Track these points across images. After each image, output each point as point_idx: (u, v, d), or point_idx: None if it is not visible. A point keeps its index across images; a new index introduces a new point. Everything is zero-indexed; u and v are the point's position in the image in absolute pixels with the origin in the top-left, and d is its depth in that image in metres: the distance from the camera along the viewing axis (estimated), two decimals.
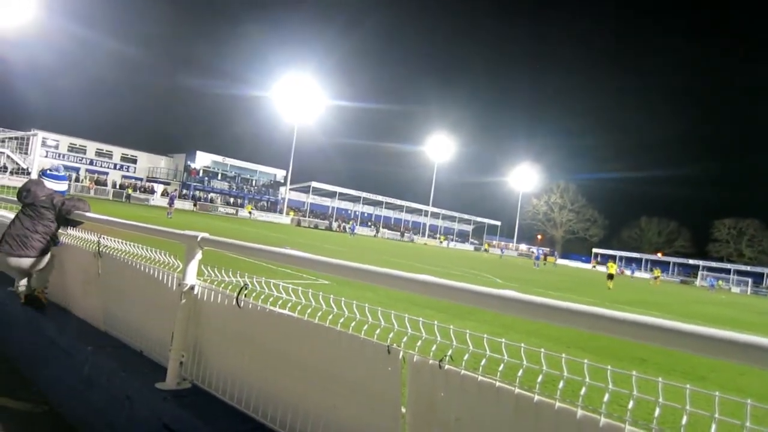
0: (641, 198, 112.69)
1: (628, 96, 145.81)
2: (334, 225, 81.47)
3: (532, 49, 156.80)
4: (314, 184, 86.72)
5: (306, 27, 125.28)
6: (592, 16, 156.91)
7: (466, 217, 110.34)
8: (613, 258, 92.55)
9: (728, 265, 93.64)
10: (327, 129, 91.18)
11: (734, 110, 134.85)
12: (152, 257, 3.94)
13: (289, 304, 2.80)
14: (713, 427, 1.43)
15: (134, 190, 64.19)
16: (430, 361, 2.05)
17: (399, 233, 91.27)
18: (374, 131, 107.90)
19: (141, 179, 70.04)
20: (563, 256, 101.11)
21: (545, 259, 69.16)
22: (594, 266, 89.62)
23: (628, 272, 79.95)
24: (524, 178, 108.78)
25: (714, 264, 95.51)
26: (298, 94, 77.14)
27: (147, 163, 72.16)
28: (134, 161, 71.02)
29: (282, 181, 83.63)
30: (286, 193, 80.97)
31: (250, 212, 70.08)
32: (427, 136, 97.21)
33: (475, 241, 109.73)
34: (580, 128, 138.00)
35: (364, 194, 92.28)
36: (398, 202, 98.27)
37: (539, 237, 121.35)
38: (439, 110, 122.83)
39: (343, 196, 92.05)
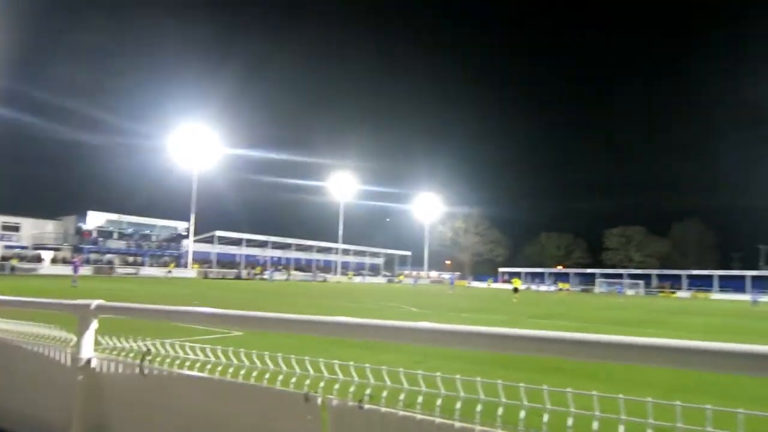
0: (539, 215, 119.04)
1: (517, 123, 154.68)
2: (243, 273, 79.27)
3: (423, 82, 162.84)
4: (218, 233, 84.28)
5: (199, 74, 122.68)
6: (482, 47, 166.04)
7: (376, 250, 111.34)
8: (517, 274, 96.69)
9: (621, 271, 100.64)
10: (227, 176, 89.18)
11: (615, 124, 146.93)
12: (43, 333, 3.61)
13: (198, 364, 2.65)
14: (621, 429, 1.50)
15: (19, 260, 59.28)
16: (350, 403, 2.02)
17: (311, 274, 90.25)
18: (277, 174, 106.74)
19: (26, 247, 64.81)
20: (475, 279, 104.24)
21: (452, 284, 71.01)
22: (509, 282, 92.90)
23: (533, 287, 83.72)
24: (429, 207, 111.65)
25: (609, 271, 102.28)
26: (195, 142, 75.32)
27: (32, 229, 66.86)
28: (16, 228, 65.59)
29: (184, 233, 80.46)
30: (189, 246, 77.89)
31: (170, 271, 66.67)
32: (330, 173, 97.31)
33: (388, 273, 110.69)
34: (478, 155, 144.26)
35: (272, 238, 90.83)
36: (308, 242, 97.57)
37: (448, 262, 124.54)
38: (340, 147, 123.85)
39: (251, 243, 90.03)
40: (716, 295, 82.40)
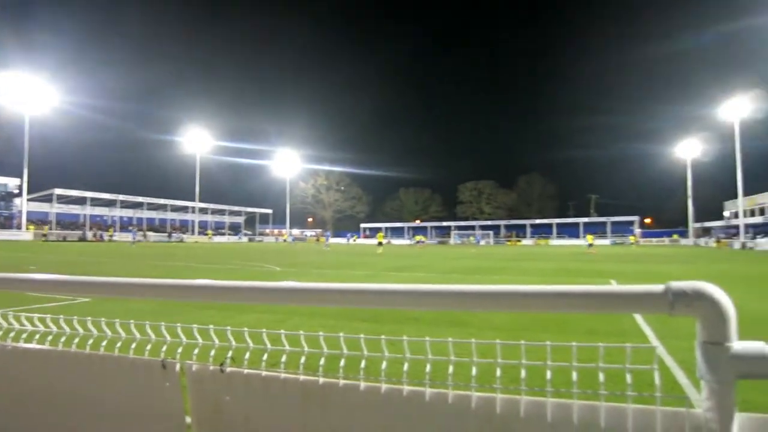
0: (398, 172, 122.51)
1: (378, 83, 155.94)
2: (89, 234, 73.29)
3: (285, 37, 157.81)
4: (58, 191, 76.73)
5: (34, 21, 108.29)
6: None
7: (236, 209, 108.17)
8: (378, 229, 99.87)
9: (473, 223, 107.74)
10: (67, 126, 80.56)
11: (468, 88, 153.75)
12: None
13: (37, 336, 2.41)
14: (473, 370, 1.61)
15: None
16: (210, 367, 1.96)
17: (166, 234, 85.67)
18: (126, 126, 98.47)
19: None
20: (335, 235, 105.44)
21: (317, 239, 71.60)
22: (370, 238, 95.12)
23: (394, 241, 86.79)
24: (289, 164, 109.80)
25: (463, 223, 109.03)
26: (27, 86, 66.20)
27: None
28: None
29: (16, 191, 72.02)
30: (23, 205, 69.89)
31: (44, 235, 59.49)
32: (186, 128, 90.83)
33: (249, 232, 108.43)
34: (338, 113, 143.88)
35: (121, 197, 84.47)
36: (161, 201, 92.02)
37: (310, 220, 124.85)
38: (195, 100, 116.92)
39: (96, 201, 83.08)
40: (555, 241, 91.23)
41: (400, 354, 1.73)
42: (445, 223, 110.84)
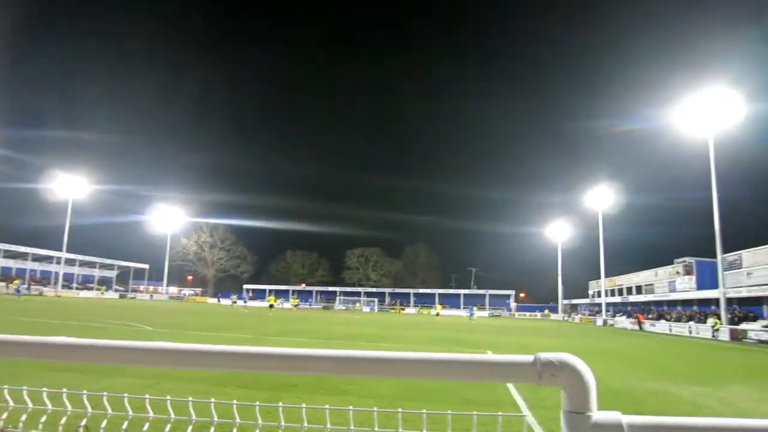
0: (286, 234, 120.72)
1: (263, 142, 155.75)
2: None
3: (164, 82, 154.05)
4: None
5: None
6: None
7: (108, 262, 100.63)
8: (263, 291, 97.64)
9: (359, 289, 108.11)
10: None
11: (358, 157, 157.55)
12: None
13: None
14: None
15: None
16: None
17: (22, 285, 77.24)
18: None
19: None
20: (216, 295, 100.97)
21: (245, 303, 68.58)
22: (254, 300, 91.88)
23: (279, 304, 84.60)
24: (171, 218, 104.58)
25: (348, 289, 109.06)
26: None
27: None
28: None
29: None
30: None
31: None
32: (56, 171, 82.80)
33: (120, 288, 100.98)
34: (222, 168, 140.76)
35: None
36: (21, 248, 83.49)
37: (189, 278, 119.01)
38: (65, 140, 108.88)
39: None
40: (436, 311, 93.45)
41: (275, 422, 1.65)
42: (331, 288, 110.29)
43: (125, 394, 1.81)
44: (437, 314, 61.44)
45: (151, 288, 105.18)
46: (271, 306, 55.03)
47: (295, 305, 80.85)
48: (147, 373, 9.03)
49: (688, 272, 53.70)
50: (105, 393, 1.82)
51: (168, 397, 1.75)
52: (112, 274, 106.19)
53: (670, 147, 58.64)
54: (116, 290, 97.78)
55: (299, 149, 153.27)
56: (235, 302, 71.24)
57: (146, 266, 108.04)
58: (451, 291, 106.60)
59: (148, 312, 40.06)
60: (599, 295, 75.27)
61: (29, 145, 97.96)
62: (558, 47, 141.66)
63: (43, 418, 1.83)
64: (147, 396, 1.80)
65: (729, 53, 73.42)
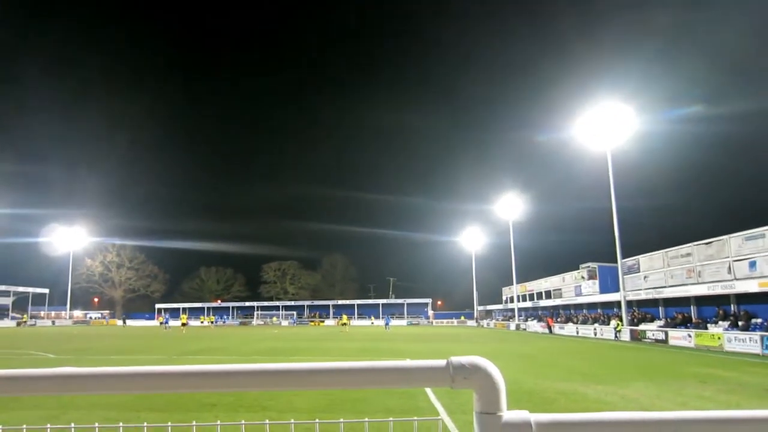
0: (198, 252, 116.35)
1: (174, 157, 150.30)
2: None
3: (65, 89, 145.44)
4: None
5: None
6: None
7: (2, 288, 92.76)
8: (176, 310, 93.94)
9: (277, 303, 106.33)
10: None
11: (270, 170, 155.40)
12: None
13: None
14: None
15: None
16: None
17: None
18: None
19: None
20: (129, 316, 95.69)
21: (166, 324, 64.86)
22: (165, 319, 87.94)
23: (191, 323, 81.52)
24: (73, 238, 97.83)
25: (266, 303, 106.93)
26: None
27: None
28: None
29: None
30: None
31: None
32: None
33: (18, 316, 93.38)
34: (130, 182, 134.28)
35: None
36: None
37: (96, 300, 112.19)
38: None
39: None
40: (356, 322, 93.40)
41: None
42: (248, 304, 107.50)
43: (23, 426, 1.69)
44: (343, 324, 62.67)
45: (52, 314, 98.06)
46: (184, 324, 55.12)
47: (212, 322, 78.16)
48: (49, 403, 8.44)
49: (591, 277, 56.71)
50: (1, 426, 1.70)
51: (72, 425, 1.66)
52: (8, 301, 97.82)
53: (573, 158, 62.02)
54: (13, 318, 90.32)
55: (204, 168, 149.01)
56: (163, 322, 69.02)
57: (46, 291, 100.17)
58: (370, 301, 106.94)
59: (50, 339, 37.37)
60: (512, 301, 78.12)
61: None
62: (470, 62, 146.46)
63: None
64: (48, 426, 1.69)
65: (623, 70, 79.10)
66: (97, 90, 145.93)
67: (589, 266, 57.99)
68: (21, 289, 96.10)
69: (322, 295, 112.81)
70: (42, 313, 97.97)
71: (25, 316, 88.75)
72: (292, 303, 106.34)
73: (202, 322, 54.20)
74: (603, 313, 51.73)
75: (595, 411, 1.38)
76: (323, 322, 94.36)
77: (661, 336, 34.52)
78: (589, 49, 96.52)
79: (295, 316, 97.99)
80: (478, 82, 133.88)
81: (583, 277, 58.50)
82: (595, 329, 45.68)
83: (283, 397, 9.28)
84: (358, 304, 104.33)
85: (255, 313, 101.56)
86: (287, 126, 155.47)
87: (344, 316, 67.12)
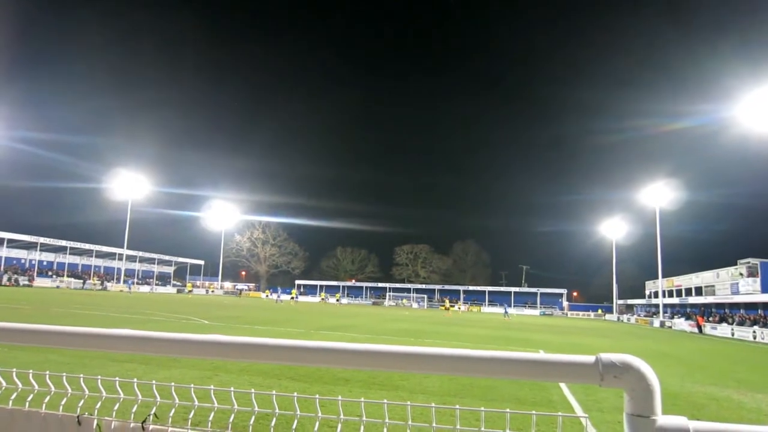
0: (336, 231, 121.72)
1: (312, 137, 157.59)
2: (5, 278, 68.56)
3: (220, 86, 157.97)
4: None
5: None
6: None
7: (166, 258, 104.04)
8: (315, 287, 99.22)
9: (408, 285, 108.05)
10: None
11: (414, 156, 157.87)
12: None
13: None
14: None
15: None
16: (131, 425, 1.84)
17: (86, 281, 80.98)
18: (49, 168, 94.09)
19: None
20: (274, 290, 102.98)
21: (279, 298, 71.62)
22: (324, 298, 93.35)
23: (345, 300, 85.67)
24: (225, 215, 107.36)
25: (398, 285, 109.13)
26: None
27: None
28: None
29: None
30: None
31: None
32: (118, 172, 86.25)
33: (178, 283, 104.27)
34: (275, 166, 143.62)
35: (41, 239, 79.80)
36: (86, 246, 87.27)
37: (243, 274, 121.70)
38: (125, 142, 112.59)
39: (14, 243, 78.16)
40: (486, 309, 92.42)
41: (333, 415, 1.69)
42: (381, 285, 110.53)
43: (191, 385, 1.88)
44: (446, 309, 64.53)
45: (207, 283, 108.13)
46: (293, 297, 60.42)
47: (293, 297, 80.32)
48: (203, 364, 9.32)
49: (752, 274, 51.17)
50: (173, 383, 1.90)
51: (231, 388, 1.81)
52: (170, 269, 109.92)
53: (733, 143, 56.12)
54: (174, 285, 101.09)
55: (350, 152, 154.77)
56: (294, 297, 73.78)
57: (202, 262, 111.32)
58: (502, 288, 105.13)
59: (206, 306, 41.31)
60: (656, 296, 72.66)
61: (91, 149, 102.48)
62: (616, 47, 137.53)
63: (116, 406, 1.92)
64: (212, 387, 1.87)
65: None
66: (285, 89, 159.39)
67: (749, 262, 52.30)
68: (181, 259, 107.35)
69: (452, 280, 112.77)
70: (198, 282, 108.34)
71: (189, 284, 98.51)
72: (423, 286, 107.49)
73: (292, 298, 57.53)
74: (764, 314, 46.55)
75: (755, 422, 1.23)
76: (453, 306, 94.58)
77: None
78: (747, 27, 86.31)
79: (425, 299, 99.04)
80: (623, 67, 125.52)
81: (741, 274, 52.89)
82: (754, 332, 41.16)
83: (414, 378, 9.45)
84: (489, 291, 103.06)
85: (387, 294, 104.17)
86: (433, 121, 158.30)
87: (446, 301, 66.84)
